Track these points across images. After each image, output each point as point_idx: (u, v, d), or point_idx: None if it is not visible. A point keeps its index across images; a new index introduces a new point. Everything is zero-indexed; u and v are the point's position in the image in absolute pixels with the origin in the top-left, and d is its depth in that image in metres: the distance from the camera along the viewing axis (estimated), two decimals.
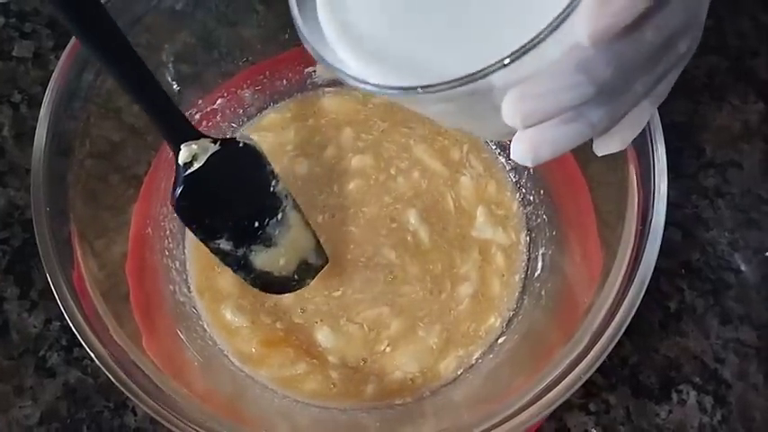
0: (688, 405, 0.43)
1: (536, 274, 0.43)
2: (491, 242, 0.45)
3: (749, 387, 0.44)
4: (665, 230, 0.33)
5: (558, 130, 0.23)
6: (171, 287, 0.43)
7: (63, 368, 0.43)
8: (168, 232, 0.44)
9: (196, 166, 0.35)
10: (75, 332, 0.33)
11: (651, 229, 0.33)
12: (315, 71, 0.49)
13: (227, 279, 0.44)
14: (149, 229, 0.43)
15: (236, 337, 0.43)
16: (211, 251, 0.38)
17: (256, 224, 0.38)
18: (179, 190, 0.35)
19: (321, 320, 0.43)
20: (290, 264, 0.40)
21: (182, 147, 0.35)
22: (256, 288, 0.40)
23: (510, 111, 0.22)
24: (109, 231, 0.40)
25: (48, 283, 0.34)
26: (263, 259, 0.39)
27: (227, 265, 0.39)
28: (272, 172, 0.38)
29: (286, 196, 0.39)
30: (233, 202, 0.37)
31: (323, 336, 0.42)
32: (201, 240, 0.37)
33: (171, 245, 0.44)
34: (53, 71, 0.37)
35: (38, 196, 0.35)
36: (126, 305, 0.38)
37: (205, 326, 0.43)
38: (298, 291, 0.42)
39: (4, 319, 0.44)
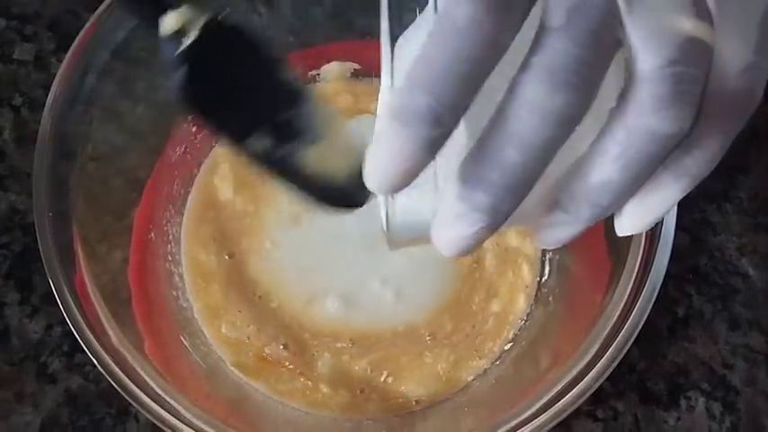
0: (696, 412, 0.43)
1: (543, 280, 0.43)
2: (518, 251, 0.44)
3: (758, 393, 0.43)
4: None
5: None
6: (174, 293, 0.42)
7: (64, 374, 0.43)
8: (171, 237, 0.44)
9: (189, 40, 0.26)
10: (77, 337, 0.32)
11: (662, 235, 0.33)
12: (319, 74, 0.48)
13: (218, 292, 0.43)
14: (152, 234, 0.43)
15: (233, 347, 0.42)
16: (249, 158, 0.28)
17: (289, 112, 0.28)
18: (181, 72, 0.26)
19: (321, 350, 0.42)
20: (350, 159, 0.28)
21: (165, 15, 0.26)
22: (327, 204, 0.29)
23: (438, 246, 0.22)
24: (111, 236, 0.40)
25: (49, 288, 0.33)
26: (314, 157, 0.28)
27: (277, 174, 0.28)
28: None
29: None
30: (249, 88, 0.28)
31: (322, 363, 0.42)
32: (231, 144, 0.28)
33: (174, 249, 0.44)
34: (55, 74, 0.37)
35: (40, 201, 0.34)
36: (128, 310, 0.38)
37: (205, 333, 0.43)
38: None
39: (5, 324, 0.44)
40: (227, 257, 0.44)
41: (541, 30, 0.19)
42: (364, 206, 0.27)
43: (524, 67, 0.19)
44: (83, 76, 0.37)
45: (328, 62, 0.48)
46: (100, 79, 0.38)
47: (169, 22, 0.26)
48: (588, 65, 0.19)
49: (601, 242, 0.39)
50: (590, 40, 0.19)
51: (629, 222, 0.23)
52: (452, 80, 0.19)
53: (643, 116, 0.19)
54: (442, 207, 0.21)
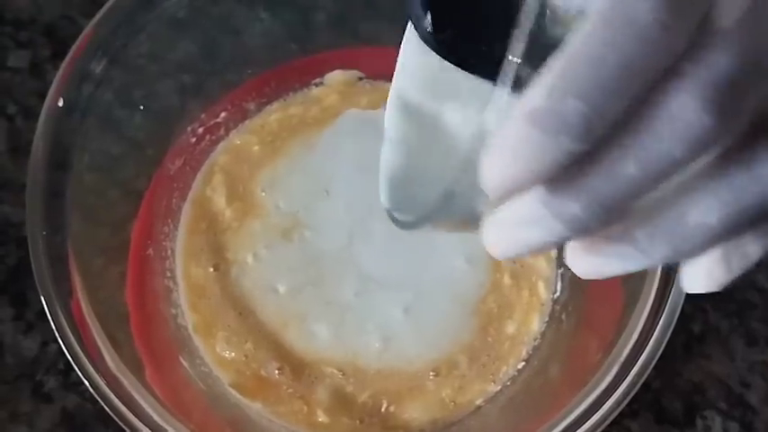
0: None
1: (556, 297, 0.42)
2: (533, 268, 0.43)
3: None
4: None
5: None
6: (173, 311, 0.41)
7: (60, 393, 0.42)
8: (169, 252, 0.43)
9: None
10: (72, 363, 0.31)
11: None
12: (322, 82, 0.47)
13: (211, 308, 0.42)
14: (150, 250, 0.41)
15: (230, 367, 0.41)
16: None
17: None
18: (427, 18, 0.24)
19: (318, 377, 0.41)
20: None
21: None
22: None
23: (487, 242, 0.20)
24: (108, 251, 0.39)
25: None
26: None
27: None
28: None
29: None
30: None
31: (319, 390, 0.40)
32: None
33: (172, 265, 0.43)
34: (50, 82, 0.36)
35: (34, 217, 0.33)
36: (126, 330, 0.36)
37: (201, 352, 0.41)
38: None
39: None
40: (218, 270, 0.43)
41: (705, 29, 0.16)
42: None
43: (675, 73, 0.16)
44: (79, 85, 0.36)
45: (331, 70, 0.47)
46: (97, 88, 0.37)
47: None
48: (749, 89, 0.16)
49: None
50: (756, 63, 0.16)
51: (705, 277, 0.20)
52: (616, 88, 0.16)
53: None
54: (515, 205, 0.18)
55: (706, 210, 0.18)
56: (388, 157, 0.26)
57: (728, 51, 0.16)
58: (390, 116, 0.26)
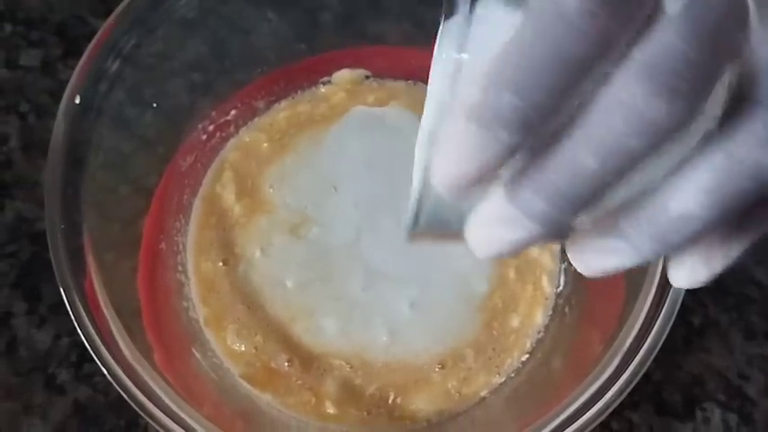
0: (712, 424, 0.42)
1: (559, 290, 0.42)
2: (537, 263, 0.43)
3: None
4: None
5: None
6: (184, 304, 0.42)
7: (73, 385, 0.42)
8: (181, 247, 0.43)
9: None
10: (89, 348, 0.32)
11: None
12: (330, 81, 0.48)
13: (221, 301, 0.42)
14: (162, 245, 0.42)
15: (240, 359, 0.41)
16: None
17: None
18: None
19: (326, 369, 0.41)
20: None
21: None
22: None
23: (469, 243, 0.20)
24: (121, 246, 0.39)
25: (57, 297, 0.33)
26: None
27: None
28: None
29: None
30: None
31: (328, 382, 0.41)
32: None
33: (184, 260, 0.43)
34: (61, 80, 0.37)
35: (52, 211, 0.34)
36: (138, 321, 0.37)
37: (212, 344, 0.42)
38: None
39: (12, 334, 0.43)
40: (228, 265, 0.43)
41: (652, 14, 0.16)
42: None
43: (623, 59, 0.16)
44: (94, 85, 0.37)
45: (339, 69, 0.47)
46: (110, 87, 0.38)
47: None
48: (701, 70, 0.16)
49: None
50: (708, 40, 0.16)
51: (688, 274, 0.20)
52: (550, 80, 0.16)
53: (755, 149, 0.16)
54: (486, 205, 0.19)
55: (688, 198, 0.17)
56: None
57: (673, 34, 0.16)
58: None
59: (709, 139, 0.17)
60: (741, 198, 0.17)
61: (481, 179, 0.17)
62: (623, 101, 0.16)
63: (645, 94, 0.16)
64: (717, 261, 0.20)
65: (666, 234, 0.18)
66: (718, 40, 0.16)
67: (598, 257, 0.20)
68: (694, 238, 0.18)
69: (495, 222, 0.19)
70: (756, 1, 0.16)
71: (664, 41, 0.16)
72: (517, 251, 0.19)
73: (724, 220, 0.18)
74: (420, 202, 0.20)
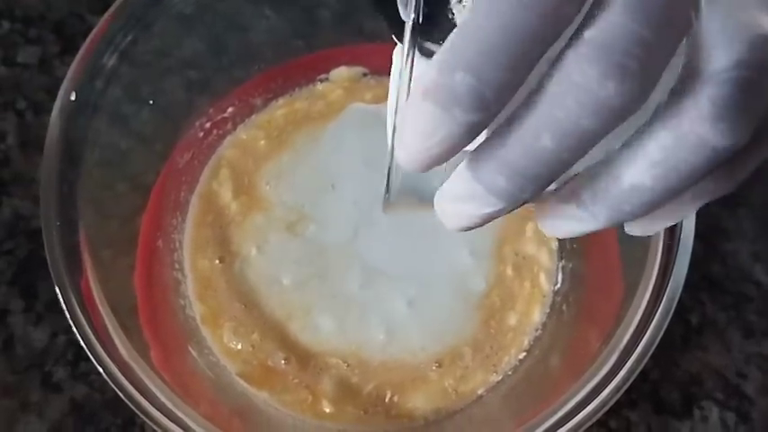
0: (710, 422, 0.42)
1: (557, 288, 0.42)
2: (534, 260, 0.43)
3: None
4: None
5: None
6: (181, 301, 0.42)
7: (69, 383, 0.42)
8: (178, 244, 0.43)
9: None
10: (84, 346, 0.32)
11: (680, 243, 0.32)
12: (327, 78, 0.48)
13: (217, 299, 0.42)
14: (159, 242, 0.42)
15: (236, 357, 0.41)
16: None
17: None
18: None
19: (323, 368, 0.41)
20: None
21: None
22: None
23: (442, 218, 0.21)
24: (118, 243, 0.39)
25: (53, 295, 0.33)
26: None
27: None
28: None
29: None
30: None
31: (325, 381, 0.41)
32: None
33: (181, 257, 0.43)
34: (59, 77, 0.37)
35: (47, 207, 0.34)
36: (135, 319, 0.37)
37: (209, 343, 0.42)
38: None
39: (9, 332, 0.43)
40: (224, 263, 0.43)
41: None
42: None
43: (574, 41, 0.16)
44: (90, 81, 0.37)
45: (336, 66, 0.47)
46: (107, 84, 0.38)
47: None
48: (652, 49, 0.16)
49: (614, 248, 0.38)
50: (659, 19, 0.16)
51: (641, 229, 0.21)
52: (502, 57, 0.16)
53: (699, 124, 0.17)
54: (453, 181, 0.19)
55: (639, 171, 0.18)
56: None
57: (624, 13, 0.16)
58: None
59: (658, 114, 0.18)
60: (688, 171, 0.18)
61: (443, 157, 0.18)
62: (577, 82, 0.16)
63: (598, 75, 0.16)
64: (668, 221, 0.21)
65: (620, 204, 0.19)
66: (668, 19, 0.16)
67: (561, 223, 0.21)
68: (647, 208, 0.19)
69: (461, 198, 0.19)
70: None
71: (614, 21, 0.16)
72: (486, 223, 0.20)
73: (673, 192, 0.18)
74: (392, 175, 0.21)
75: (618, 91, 0.16)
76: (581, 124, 0.16)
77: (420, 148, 0.18)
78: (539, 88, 0.17)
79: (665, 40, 0.16)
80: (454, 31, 0.17)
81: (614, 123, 0.17)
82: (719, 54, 0.17)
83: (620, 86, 0.16)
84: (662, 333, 0.31)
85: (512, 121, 0.17)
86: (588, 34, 0.16)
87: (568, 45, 0.16)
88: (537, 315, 0.42)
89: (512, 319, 0.42)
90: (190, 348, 0.40)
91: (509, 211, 0.19)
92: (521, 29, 0.16)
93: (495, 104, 0.17)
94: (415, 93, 0.17)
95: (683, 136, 0.17)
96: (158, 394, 0.32)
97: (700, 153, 0.17)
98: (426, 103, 0.17)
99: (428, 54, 0.20)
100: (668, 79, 0.17)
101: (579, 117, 0.16)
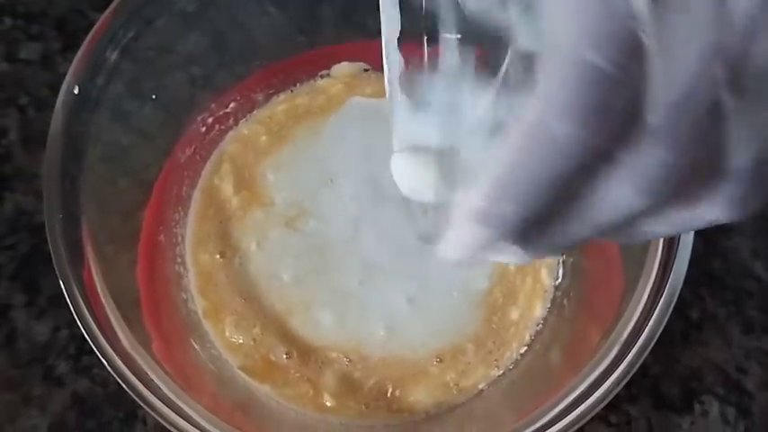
0: (711, 417, 0.42)
1: (558, 283, 0.43)
2: None
3: None
4: None
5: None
6: (183, 295, 0.42)
7: (71, 377, 0.42)
8: (180, 239, 0.43)
9: None
10: (87, 338, 0.32)
11: (681, 238, 0.32)
12: (329, 74, 0.48)
13: (218, 293, 0.42)
14: (161, 236, 0.42)
15: (238, 351, 0.41)
16: None
17: None
18: None
19: (324, 363, 0.41)
20: None
21: None
22: None
23: (443, 254, 0.23)
24: (120, 237, 0.40)
25: (56, 290, 0.33)
26: None
27: None
28: None
29: None
30: None
31: (327, 375, 0.41)
32: None
33: (183, 252, 0.43)
34: (61, 74, 0.37)
35: (50, 201, 0.34)
36: (137, 312, 0.37)
37: (212, 337, 0.42)
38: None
39: (11, 326, 0.43)
40: (225, 257, 0.43)
41: (637, 120, 0.17)
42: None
43: (611, 160, 0.18)
44: (92, 77, 0.37)
45: (338, 62, 0.47)
46: (109, 79, 0.38)
47: None
48: (680, 170, 0.18)
49: (614, 244, 0.38)
50: (687, 147, 0.17)
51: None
52: (545, 191, 0.18)
53: (717, 213, 0.19)
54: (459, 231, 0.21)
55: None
56: None
57: (657, 148, 0.17)
58: None
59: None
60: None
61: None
62: (612, 199, 0.18)
63: (631, 195, 0.18)
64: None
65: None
66: (698, 145, 0.17)
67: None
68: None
69: (471, 248, 0.21)
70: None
71: (650, 152, 0.17)
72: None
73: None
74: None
75: (645, 203, 0.18)
76: (610, 223, 0.19)
77: (464, 253, 0.21)
78: (576, 192, 0.19)
79: (695, 164, 0.18)
80: (496, 162, 0.18)
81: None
82: (744, 155, 0.18)
83: (648, 201, 0.18)
84: (662, 327, 0.31)
85: (549, 209, 0.19)
86: (627, 158, 0.18)
87: (606, 160, 0.18)
88: (538, 310, 0.42)
89: (514, 314, 0.42)
90: (192, 342, 0.40)
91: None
92: (559, 171, 0.18)
93: (537, 220, 0.19)
94: (464, 215, 0.20)
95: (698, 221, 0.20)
96: (161, 385, 0.32)
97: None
98: (478, 226, 0.19)
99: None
100: None
101: (610, 220, 0.19)
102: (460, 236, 0.20)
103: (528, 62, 0.19)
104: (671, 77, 0.17)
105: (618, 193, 0.18)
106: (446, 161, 0.22)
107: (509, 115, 0.20)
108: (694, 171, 0.18)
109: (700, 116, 0.17)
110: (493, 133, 0.21)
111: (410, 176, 0.25)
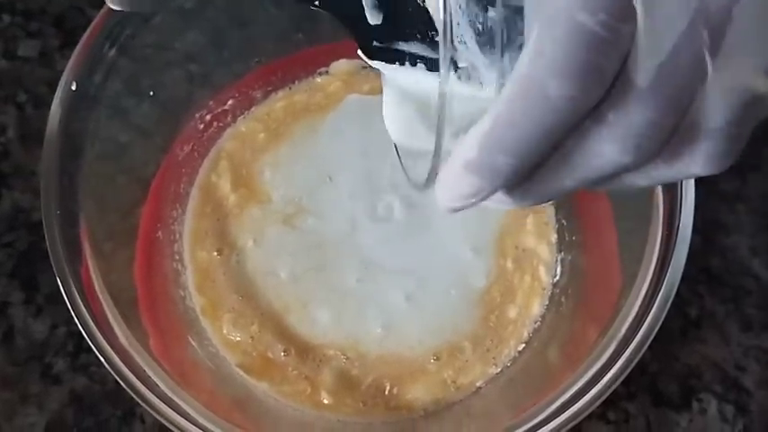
0: (709, 414, 0.42)
1: (555, 280, 0.42)
2: (534, 253, 0.43)
3: None
4: None
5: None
6: (181, 292, 0.42)
7: (69, 375, 0.42)
8: (178, 236, 0.43)
9: None
10: (85, 335, 0.32)
11: (678, 234, 0.32)
12: (327, 71, 0.48)
13: (216, 290, 0.42)
14: (159, 233, 0.42)
15: (236, 348, 0.41)
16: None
17: None
18: None
19: (322, 360, 0.41)
20: None
21: None
22: None
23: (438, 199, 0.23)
24: (118, 234, 0.40)
25: (54, 287, 0.33)
26: None
27: None
28: None
29: None
30: None
31: (324, 372, 0.41)
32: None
33: (180, 248, 0.43)
34: (59, 71, 0.37)
35: (48, 198, 0.34)
36: (135, 309, 0.37)
37: (209, 335, 0.42)
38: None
39: (9, 324, 0.43)
40: (222, 254, 0.44)
41: (625, 81, 0.18)
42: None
43: (599, 119, 0.19)
44: (90, 74, 0.37)
45: (336, 59, 0.47)
46: (106, 77, 0.38)
47: None
48: (664, 128, 0.19)
49: (612, 240, 0.38)
50: (672, 107, 0.18)
51: None
52: (536, 144, 0.19)
53: (694, 169, 0.20)
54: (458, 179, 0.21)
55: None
56: None
57: (643, 107, 0.18)
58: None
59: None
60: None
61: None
62: (597, 153, 0.19)
63: (617, 152, 0.19)
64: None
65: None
66: (679, 104, 0.19)
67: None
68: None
69: (465, 194, 0.22)
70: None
71: (636, 110, 0.18)
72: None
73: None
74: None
75: (630, 162, 0.19)
76: (596, 176, 0.20)
77: (458, 201, 0.21)
78: (564, 149, 0.20)
79: (676, 119, 0.19)
80: (489, 115, 0.19)
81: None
82: (721, 116, 0.19)
83: (633, 159, 0.19)
84: (659, 324, 0.31)
85: (539, 164, 0.20)
86: (613, 116, 0.19)
87: (593, 119, 0.19)
88: (536, 308, 0.42)
89: (512, 312, 0.42)
90: (190, 339, 0.40)
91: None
92: (550, 125, 0.18)
93: (527, 170, 0.20)
94: (457, 164, 0.20)
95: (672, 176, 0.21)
96: (159, 383, 0.32)
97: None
98: (471, 176, 0.20)
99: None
100: None
101: (597, 175, 0.20)
102: (453, 185, 0.21)
103: (520, 20, 0.20)
104: (657, 40, 0.18)
105: (605, 149, 0.19)
106: (435, 109, 0.22)
107: (501, 69, 0.21)
108: (677, 130, 0.19)
109: (684, 77, 0.18)
110: (485, 84, 0.22)
111: (400, 123, 0.25)
